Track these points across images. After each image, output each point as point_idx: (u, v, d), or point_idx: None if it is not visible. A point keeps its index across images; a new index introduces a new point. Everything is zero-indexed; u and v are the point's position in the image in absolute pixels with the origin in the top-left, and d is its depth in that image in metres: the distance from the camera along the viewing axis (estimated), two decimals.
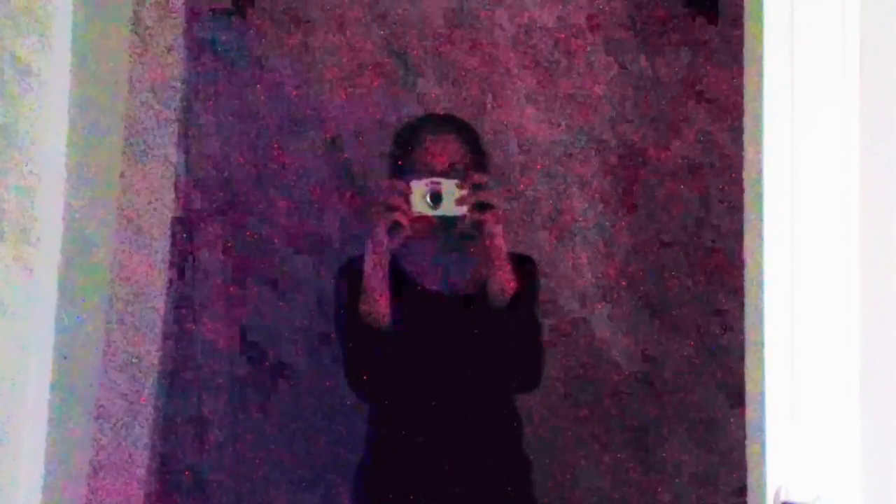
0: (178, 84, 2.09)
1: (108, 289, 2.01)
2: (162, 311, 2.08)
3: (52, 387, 1.72)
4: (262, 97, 3.20)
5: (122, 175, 2.00)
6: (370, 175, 3.09)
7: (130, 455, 1.99)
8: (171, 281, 2.11)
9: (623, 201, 3.19)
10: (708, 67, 3.13)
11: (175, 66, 2.07)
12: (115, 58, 1.94)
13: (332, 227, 3.18)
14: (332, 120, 3.20)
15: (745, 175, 1.97)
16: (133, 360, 2.01)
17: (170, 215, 2.08)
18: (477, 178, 2.49)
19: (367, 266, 2.48)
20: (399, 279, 2.57)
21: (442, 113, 2.79)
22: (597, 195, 3.19)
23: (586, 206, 3.19)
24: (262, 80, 3.20)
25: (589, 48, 3.15)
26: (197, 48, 3.10)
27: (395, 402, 2.59)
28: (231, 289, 3.22)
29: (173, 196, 2.10)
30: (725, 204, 3.09)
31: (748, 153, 1.94)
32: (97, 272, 1.95)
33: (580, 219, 3.20)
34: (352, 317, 2.50)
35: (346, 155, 3.19)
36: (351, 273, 2.55)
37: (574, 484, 3.22)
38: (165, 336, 2.11)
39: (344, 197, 3.19)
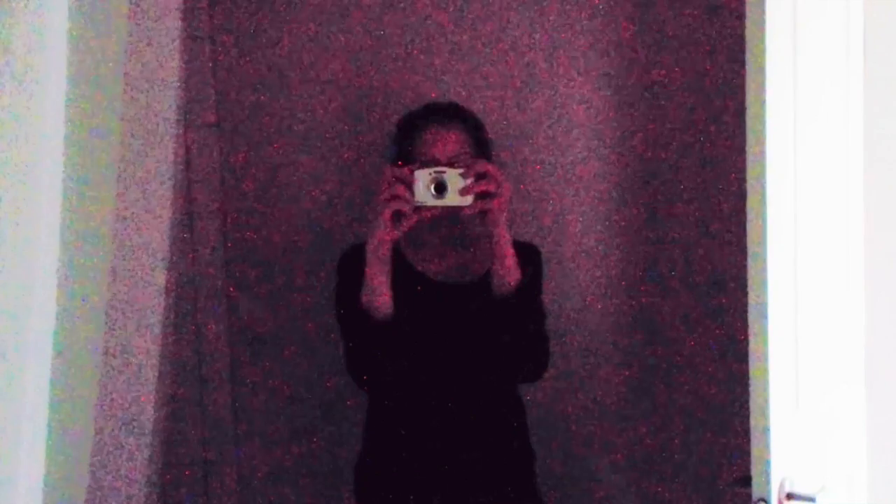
0: (177, 81, 2.08)
1: (108, 288, 2.01)
2: (162, 311, 2.08)
3: (52, 387, 1.72)
4: (263, 92, 3.20)
5: (120, 174, 1.99)
6: (375, 170, 3.08)
7: (130, 455, 2.00)
8: (170, 281, 2.10)
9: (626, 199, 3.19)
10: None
11: (173, 62, 2.07)
12: (111, 56, 1.94)
13: (334, 224, 3.18)
14: (335, 115, 3.19)
15: (748, 172, 1.96)
16: (133, 360, 2.01)
17: (169, 215, 2.08)
18: (481, 167, 2.48)
19: (370, 255, 2.47)
20: (402, 268, 2.56)
21: (446, 102, 2.78)
22: (597, 191, 3.19)
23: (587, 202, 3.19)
24: (264, 73, 3.20)
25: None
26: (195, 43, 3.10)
27: (397, 393, 2.59)
28: (231, 288, 3.22)
29: (172, 195, 2.10)
30: (729, 200, 3.08)
31: (750, 149, 1.93)
32: (97, 272, 1.95)
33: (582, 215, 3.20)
34: (353, 306, 2.49)
35: (349, 150, 3.18)
36: (353, 262, 2.55)
37: (576, 474, 3.22)
38: (165, 335, 2.11)
39: (348, 192, 3.18)
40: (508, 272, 2.49)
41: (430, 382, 2.57)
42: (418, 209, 2.48)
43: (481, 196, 2.47)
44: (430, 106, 2.72)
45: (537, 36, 3.14)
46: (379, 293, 2.47)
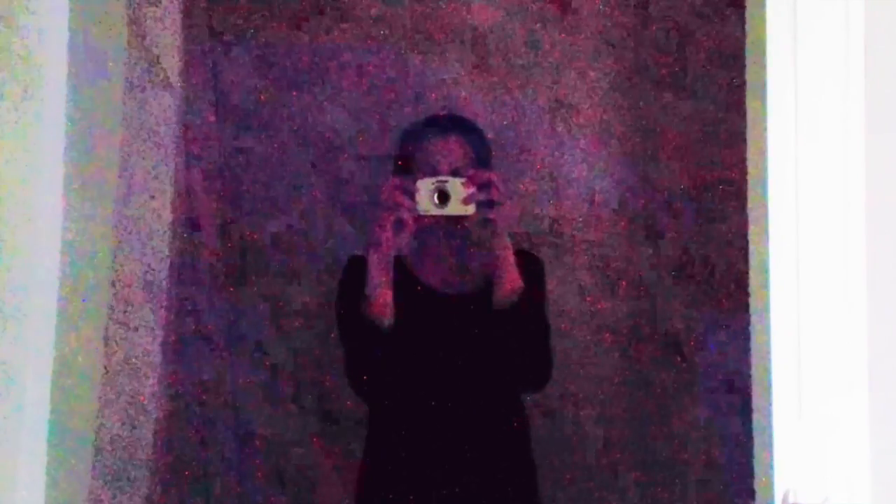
0: (178, 81, 2.08)
1: (108, 289, 2.00)
2: (162, 311, 2.08)
3: (52, 387, 1.72)
4: (265, 96, 3.20)
5: (120, 174, 1.99)
6: (375, 177, 3.09)
7: (131, 455, 1.99)
8: (171, 281, 2.10)
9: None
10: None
11: (173, 62, 2.07)
12: (111, 56, 1.94)
13: (335, 227, 3.18)
14: (337, 122, 3.19)
15: (749, 173, 1.95)
16: (133, 360, 2.00)
17: (170, 215, 2.08)
18: (483, 176, 2.48)
19: (372, 264, 2.47)
20: (404, 278, 2.56)
21: (448, 113, 2.79)
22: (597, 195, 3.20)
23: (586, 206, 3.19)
24: (265, 78, 3.20)
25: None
26: (198, 44, 3.10)
27: (398, 404, 2.57)
28: (231, 288, 3.22)
29: (173, 195, 2.09)
30: (730, 202, 3.08)
31: (751, 156, 1.92)
32: (97, 272, 1.95)
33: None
34: (355, 315, 2.49)
35: (349, 154, 3.19)
36: (355, 271, 2.55)
37: (578, 484, 3.21)
38: (166, 336, 2.11)
39: (347, 196, 3.18)
40: (510, 281, 2.49)
41: (432, 391, 2.56)
42: (420, 218, 2.48)
43: (483, 205, 2.47)
44: (432, 117, 2.74)
45: (537, 37, 3.15)
46: (381, 301, 2.46)
